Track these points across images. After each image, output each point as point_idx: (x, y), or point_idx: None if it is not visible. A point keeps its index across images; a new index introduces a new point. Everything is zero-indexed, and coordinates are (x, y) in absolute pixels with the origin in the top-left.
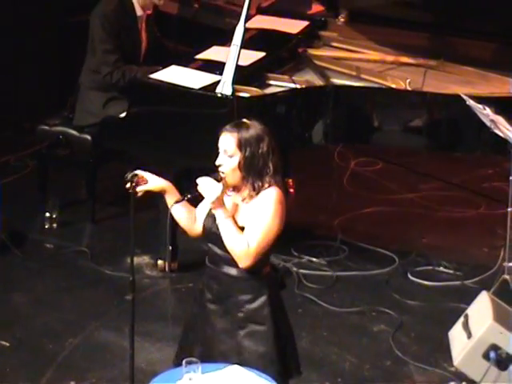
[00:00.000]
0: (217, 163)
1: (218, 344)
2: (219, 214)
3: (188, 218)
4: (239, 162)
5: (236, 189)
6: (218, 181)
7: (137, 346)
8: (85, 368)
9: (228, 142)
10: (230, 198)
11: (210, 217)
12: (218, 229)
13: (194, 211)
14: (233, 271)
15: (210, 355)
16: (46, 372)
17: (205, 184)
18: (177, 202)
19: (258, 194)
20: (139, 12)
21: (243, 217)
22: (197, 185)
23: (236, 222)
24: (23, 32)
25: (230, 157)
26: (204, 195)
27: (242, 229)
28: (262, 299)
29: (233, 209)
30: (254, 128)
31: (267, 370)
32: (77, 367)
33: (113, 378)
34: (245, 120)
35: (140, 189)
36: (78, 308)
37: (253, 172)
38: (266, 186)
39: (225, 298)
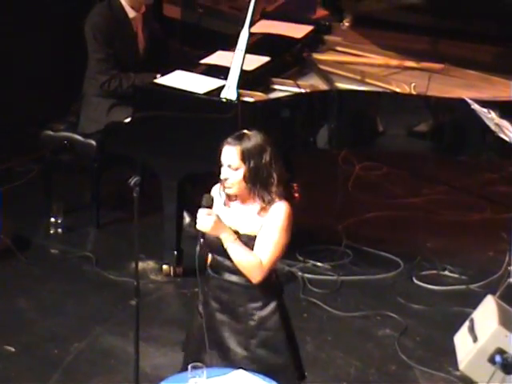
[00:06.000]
0: (222, 177)
1: (231, 354)
2: (225, 239)
3: None
4: (244, 175)
5: (243, 199)
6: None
7: (141, 351)
8: (90, 373)
9: (231, 156)
10: (243, 209)
11: None
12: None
13: None
14: (240, 280)
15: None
16: (51, 377)
17: (198, 218)
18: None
19: (269, 206)
20: (131, 14)
21: (257, 228)
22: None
23: (245, 242)
24: (26, 35)
25: (235, 170)
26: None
27: (255, 238)
28: (272, 306)
29: (246, 219)
30: (256, 139)
31: (282, 376)
32: (82, 372)
33: (117, 383)
34: (245, 131)
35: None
36: (83, 313)
37: (258, 183)
38: (276, 199)
39: (234, 308)
